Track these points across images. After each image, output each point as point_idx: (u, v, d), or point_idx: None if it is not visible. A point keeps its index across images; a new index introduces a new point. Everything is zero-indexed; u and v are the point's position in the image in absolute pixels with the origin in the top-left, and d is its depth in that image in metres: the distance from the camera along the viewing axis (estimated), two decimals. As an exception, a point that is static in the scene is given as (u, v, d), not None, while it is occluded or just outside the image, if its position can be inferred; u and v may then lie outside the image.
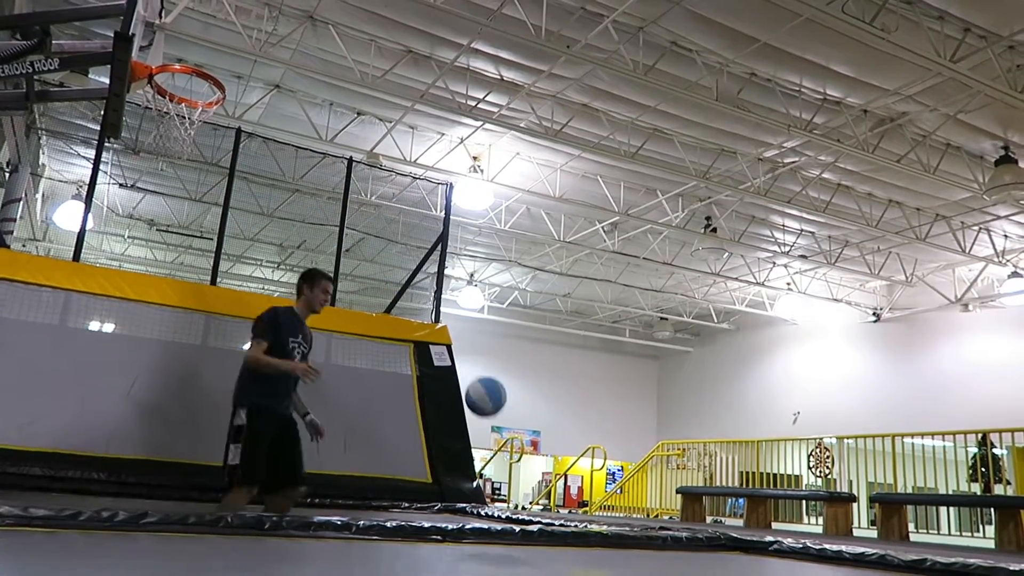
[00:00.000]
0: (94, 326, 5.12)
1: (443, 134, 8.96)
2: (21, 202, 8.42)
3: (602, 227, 11.21)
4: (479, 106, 7.89)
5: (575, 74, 7.46)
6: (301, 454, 3.53)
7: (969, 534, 7.44)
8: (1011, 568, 2.62)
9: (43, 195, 10.76)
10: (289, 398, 3.60)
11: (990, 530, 6.82)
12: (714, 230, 10.78)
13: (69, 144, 9.24)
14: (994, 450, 8.16)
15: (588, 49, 6.60)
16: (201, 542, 2.39)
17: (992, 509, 6.67)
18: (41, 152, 9.63)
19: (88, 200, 5.66)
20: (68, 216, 10.08)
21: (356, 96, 8.09)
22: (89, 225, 6.23)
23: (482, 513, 4.92)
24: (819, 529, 7.61)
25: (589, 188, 9.95)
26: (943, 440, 7.86)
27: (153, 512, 2.57)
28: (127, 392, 4.79)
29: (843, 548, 3.21)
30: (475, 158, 9.33)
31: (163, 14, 4.13)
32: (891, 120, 7.90)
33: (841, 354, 14.16)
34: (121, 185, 9.85)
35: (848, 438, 9.54)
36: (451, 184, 8.07)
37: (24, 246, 11.22)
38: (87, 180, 6.20)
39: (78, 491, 4.24)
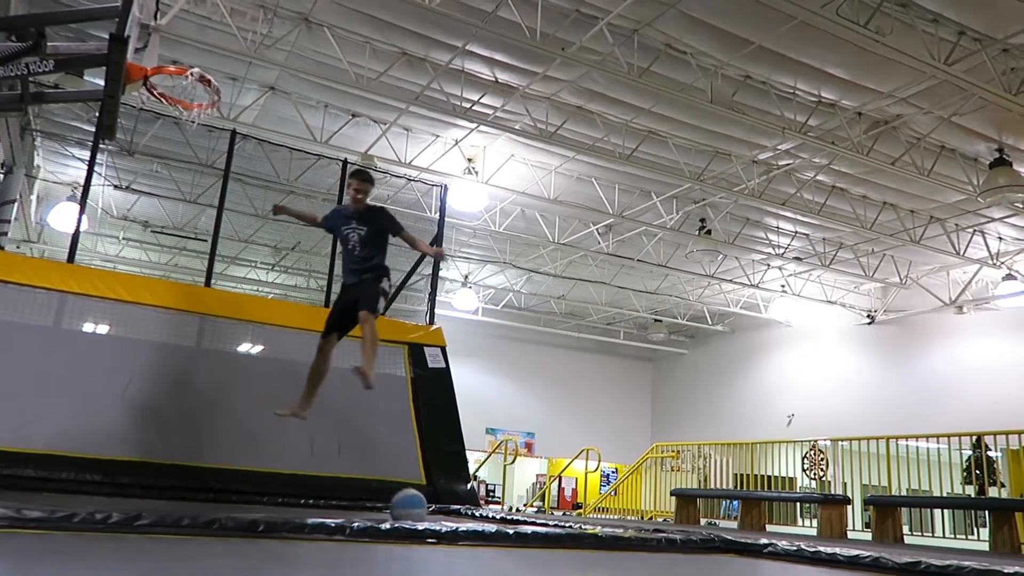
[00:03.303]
0: (88, 328, 5.10)
1: (438, 136, 8.97)
2: (16, 204, 8.39)
3: (597, 229, 11.23)
4: (474, 108, 7.90)
5: (570, 76, 7.48)
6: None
7: (963, 537, 7.45)
8: (1005, 571, 2.63)
9: (38, 197, 10.72)
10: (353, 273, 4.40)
11: (984, 533, 6.84)
12: (708, 232, 10.81)
13: (64, 146, 9.21)
14: (988, 452, 8.18)
15: (583, 51, 6.62)
16: (195, 544, 2.38)
17: (986, 512, 6.69)
18: (36, 154, 9.59)
19: (83, 202, 5.65)
20: (63, 218, 10.05)
21: (351, 98, 8.09)
22: (84, 227, 6.22)
23: (476, 515, 4.92)
24: (813, 531, 7.62)
25: (584, 190, 9.96)
26: (937, 442, 7.89)
27: (147, 514, 2.56)
28: (121, 394, 4.77)
29: (837, 551, 3.22)
30: (470, 160, 9.34)
31: (158, 16, 4.12)
32: (886, 123, 7.94)
33: (835, 356, 14.21)
34: (116, 187, 9.82)
35: (842, 440, 9.56)
36: (446, 186, 8.08)
37: (18, 248, 11.16)
38: (82, 182, 6.18)
39: (72, 492, 4.22)
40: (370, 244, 4.27)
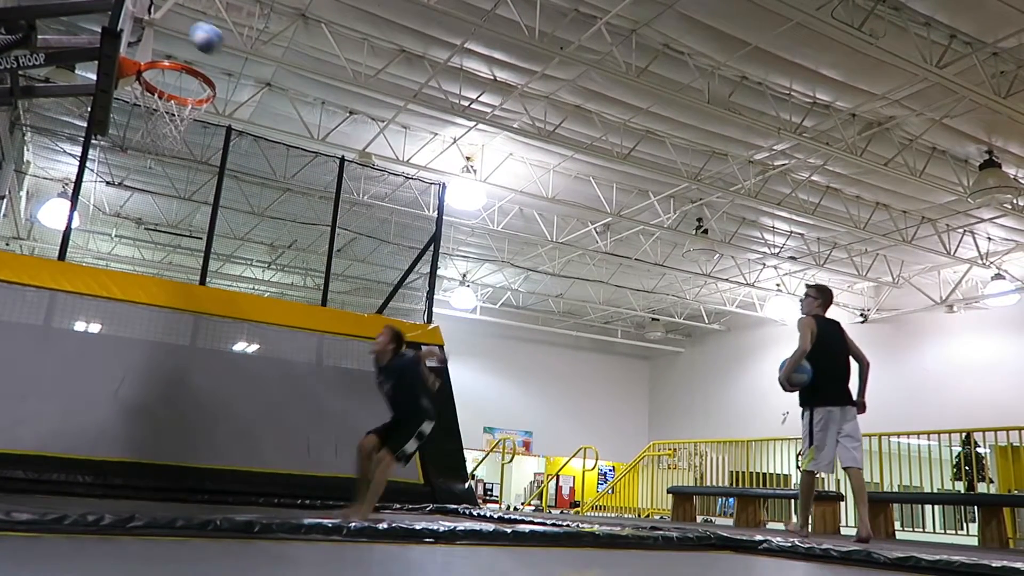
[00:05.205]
0: (80, 326, 5.06)
1: (436, 134, 8.94)
2: (5, 199, 8.30)
3: (594, 228, 11.23)
4: (472, 106, 7.88)
5: (568, 75, 7.47)
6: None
7: (953, 532, 7.51)
8: (993, 565, 2.66)
9: (27, 192, 10.61)
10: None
11: (974, 528, 6.91)
12: (705, 231, 10.84)
13: (55, 141, 9.12)
14: (977, 449, 8.26)
15: (581, 51, 6.61)
16: (189, 546, 2.36)
17: (975, 507, 6.75)
18: (26, 149, 9.49)
19: (74, 198, 5.59)
20: (53, 214, 9.94)
21: (348, 95, 8.05)
22: (75, 223, 6.16)
23: (474, 514, 4.92)
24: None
25: (582, 189, 9.96)
26: (928, 439, 7.94)
27: (140, 515, 2.54)
28: (114, 393, 4.74)
29: (830, 546, 3.24)
30: (468, 158, 9.31)
31: (152, 10, 4.07)
32: (879, 124, 7.98)
33: (829, 355, 14.26)
34: (108, 183, 9.73)
35: (836, 438, 9.59)
36: (444, 184, 8.06)
37: (8, 245, 11.06)
38: (73, 177, 6.13)
39: (63, 494, 4.19)
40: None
